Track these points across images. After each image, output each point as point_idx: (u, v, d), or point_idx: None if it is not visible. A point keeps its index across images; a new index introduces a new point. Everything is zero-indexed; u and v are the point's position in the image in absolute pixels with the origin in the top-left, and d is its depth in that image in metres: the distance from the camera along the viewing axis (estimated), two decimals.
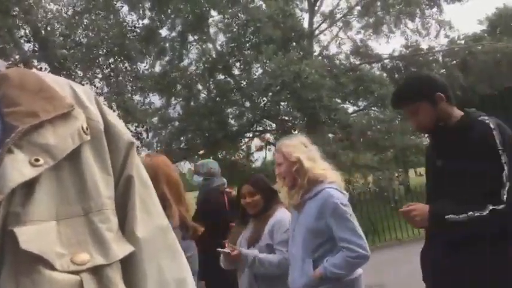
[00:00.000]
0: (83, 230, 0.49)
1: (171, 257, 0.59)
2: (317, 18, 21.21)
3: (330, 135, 11.66)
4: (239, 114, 14.27)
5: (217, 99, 14.08)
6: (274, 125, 15.66)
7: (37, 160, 0.47)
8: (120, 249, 0.52)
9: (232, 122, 14.58)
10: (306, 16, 20.11)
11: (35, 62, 11.64)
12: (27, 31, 10.66)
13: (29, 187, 0.46)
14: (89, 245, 0.48)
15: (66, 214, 0.48)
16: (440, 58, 21.24)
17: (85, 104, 0.56)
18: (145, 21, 14.90)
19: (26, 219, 0.45)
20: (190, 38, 16.40)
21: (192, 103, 15.21)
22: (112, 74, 11.87)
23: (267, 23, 13.29)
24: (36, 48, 11.04)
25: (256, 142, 20.16)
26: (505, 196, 1.65)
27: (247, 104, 14.38)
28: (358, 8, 20.97)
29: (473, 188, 1.71)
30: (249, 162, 18.01)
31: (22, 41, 10.77)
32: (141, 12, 14.93)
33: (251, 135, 17.19)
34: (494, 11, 24.55)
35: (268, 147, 20.29)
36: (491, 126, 1.77)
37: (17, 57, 10.96)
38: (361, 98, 17.35)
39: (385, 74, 20.11)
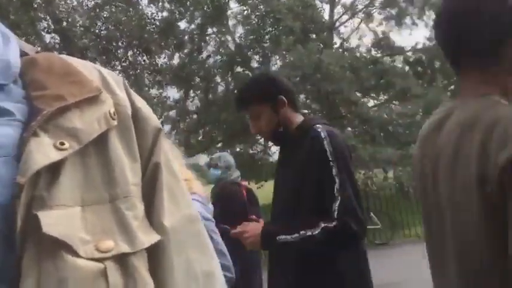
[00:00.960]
0: (109, 217, 0.48)
1: (200, 248, 0.58)
2: (338, 10, 20.91)
3: (349, 129, 11.47)
4: None
5: (236, 91, 14.04)
6: None
7: (62, 144, 0.46)
8: (147, 237, 0.50)
9: None
10: (326, 7, 19.85)
11: (56, 54, 11.88)
12: (49, 23, 10.81)
13: (54, 171, 0.45)
14: (115, 232, 0.47)
15: (91, 200, 0.47)
16: None
17: (113, 88, 0.56)
18: (164, 13, 14.93)
19: (51, 204, 0.44)
20: (209, 30, 16.38)
21: (210, 96, 15.21)
22: (131, 66, 11.96)
23: (287, 14, 13.12)
24: (57, 40, 11.19)
25: None
26: (335, 212, 1.56)
27: None
28: None
29: (309, 200, 1.64)
30: (266, 155, 17.96)
31: (43, 32, 10.93)
32: (160, 4, 14.97)
33: None
34: None
35: None
36: (322, 135, 1.65)
37: (38, 48, 11.17)
38: (382, 92, 17.04)
39: (407, 67, 19.70)
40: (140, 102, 0.58)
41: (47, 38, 10.96)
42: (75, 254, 0.44)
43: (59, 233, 0.43)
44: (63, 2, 10.83)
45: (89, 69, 0.56)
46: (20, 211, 0.42)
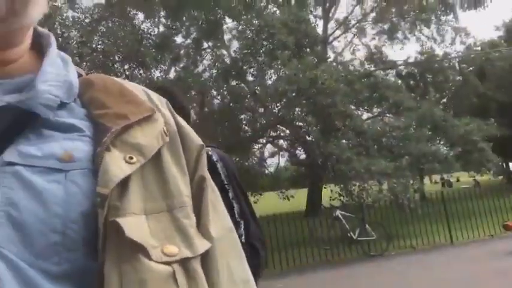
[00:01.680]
0: (169, 225, 0.52)
1: (238, 257, 0.62)
2: (331, 25, 21.22)
3: (344, 141, 11.57)
4: (252, 120, 14.28)
5: (231, 105, 14.13)
6: (288, 131, 15.63)
7: (131, 158, 0.51)
8: (201, 244, 0.54)
9: (245, 127, 14.59)
10: (320, 22, 20.15)
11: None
12: None
13: (123, 182, 0.50)
14: (176, 238, 0.51)
15: (153, 210, 0.51)
16: (456, 65, 20.98)
17: (160, 108, 0.60)
18: (161, 28, 15.10)
19: (124, 212, 0.48)
20: (205, 44, 16.55)
21: (205, 109, 15.30)
22: (127, 80, 12.03)
23: (281, 29, 13.32)
24: None
25: (270, 148, 20.17)
26: (242, 237, 1.54)
27: (261, 110, 14.40)
28: (373, 14, 20.90)
29: None
30: (262, 168, 17.99)
31: None
32: (156, 19, 15.13)
33: (264, 141, 17.18)
34: (511, 17, 24.23)
35: (281, 153, 20.26)
36: (214, 158, 1.63)
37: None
38: (376, 105, 17.21)
39: (400, 81, 19.95)
40: (182, 121, 0.63)
41: None
42: (149, 257, 0.47)
43: (138, 237, 0.47)
44: (59, 17, 10.91)
45: (138, 90, 0.61)
46: (101, 219, 0.47)
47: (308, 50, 14.64)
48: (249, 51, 14.05)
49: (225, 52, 16.82)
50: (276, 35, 13.20)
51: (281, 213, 9.21)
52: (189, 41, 16.14)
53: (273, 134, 16.06)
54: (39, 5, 0.53)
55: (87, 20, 11.96)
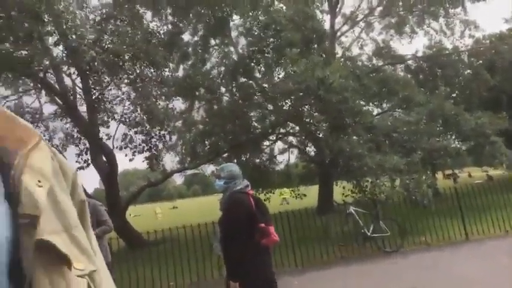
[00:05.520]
0: (73, 242, 0.56)
1: (107, 272, 0.69)
2: (338, 20, 21.10)
3: (355, 137, 11.50)
4: (262, 117, 14.24)
5: (240, 102, 14.09)
6: (297, 128, 15.58)
7: (39, 181, 0.55)
8: (96, 257, 0.61)
9: (255, 124, 14.56)
10: (327, 18, 20.05)
11: (64, 68, 11.89)
12: (57, 36, 10.90)
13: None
14: (79, 254, 0.56)
15: (64, 228, 0.56)
16: (465, 58, 20.80)
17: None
18: (168, 26, 15.08)
19: (47, 231, 0.52)
20: (212, 42, 16.51)
21: (215, 106, 15.28)
22: (138, 79, 12.02)
23: (288, 25, 13.24)
24: (64, 54, 11.26)
25: (280, 145, 20.14)
26: None
27: (270, 106, 14.35)
28: (380, 8, 20.75)
29: None
30: (273, 164, 17.98)
31: (52, 46, 10.99)
32: (163, 18, 15.11)
33: (274, 138, 17.15)
34: None
35: (291, 150, 20.22)
36: None
37: (47, 63, 11.21)
38: (385, 100, 17.11)
39: (409, 75, 19.82)
40: (57, 152, 0.67)
41: (55, 51, 11.04)
42: (70, 269, 0.52)
43: (66, 251, 0.52)
44: (71, 16, 10.90)
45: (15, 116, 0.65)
46: (31, 238, 0.50)
47: (316, 46, 14.54)
48: (256, 48, 13.98)
49: (232, 49, 16.79)
50: (282, 32, 13.11)
51: (293, 210, 9.18)
52: (196, 38, 16.13)
53: (282, 130, 16.02)
54: None
55: (97, 19, 11.96)
